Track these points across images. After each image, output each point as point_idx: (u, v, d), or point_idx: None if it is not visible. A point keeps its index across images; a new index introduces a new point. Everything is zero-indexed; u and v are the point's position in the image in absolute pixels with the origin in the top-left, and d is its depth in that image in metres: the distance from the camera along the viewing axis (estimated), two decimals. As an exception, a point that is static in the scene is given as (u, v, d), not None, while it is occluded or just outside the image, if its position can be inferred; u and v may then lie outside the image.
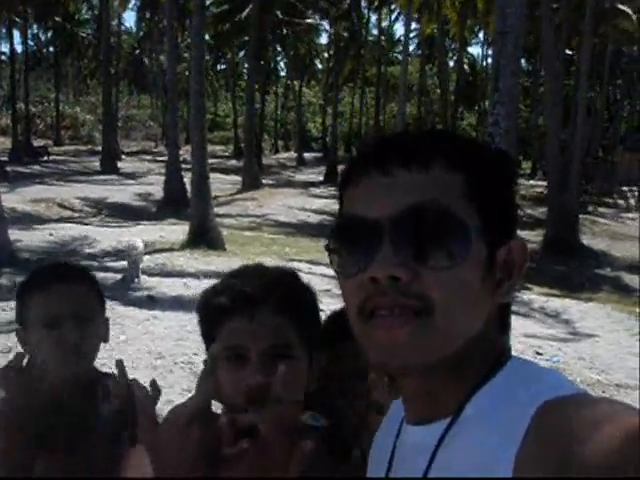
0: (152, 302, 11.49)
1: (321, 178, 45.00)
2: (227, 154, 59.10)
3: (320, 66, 71.03)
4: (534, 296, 15.40)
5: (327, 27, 59.27)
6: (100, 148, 44.13)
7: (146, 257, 14.33)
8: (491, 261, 1.01)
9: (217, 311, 1.47)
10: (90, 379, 2.13)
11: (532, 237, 24.16)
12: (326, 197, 34.53)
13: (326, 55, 63.95)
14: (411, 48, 55.62)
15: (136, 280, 12.83)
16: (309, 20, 52.81)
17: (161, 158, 46.34)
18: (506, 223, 1.04)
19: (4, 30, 62.90)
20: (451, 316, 0.97)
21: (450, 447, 0.98)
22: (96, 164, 42.20)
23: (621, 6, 39.22)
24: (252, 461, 1.12)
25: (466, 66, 66.38)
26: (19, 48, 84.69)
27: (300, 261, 17.73)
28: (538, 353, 10.19)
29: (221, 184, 33.05)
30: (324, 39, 67.71)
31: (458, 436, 0.98)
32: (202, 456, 1.13)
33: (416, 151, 1.01)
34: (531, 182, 44.32)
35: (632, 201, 37.83)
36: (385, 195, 0.99)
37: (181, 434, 1.11)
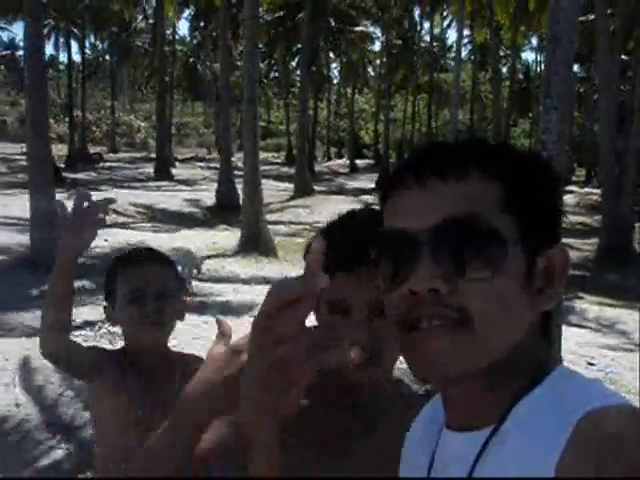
0: (203, 308, 11.59)
1: (373, 185, 44.85)
2: (279, 161, 59.31)
3: (372, 73, 70.97)
4: (587, 305, 15.16)
5: (379, 34, 59.41)
6: (154, 155, 44.57)
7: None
8: (531, 270, 1.01)
9: None
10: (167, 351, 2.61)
11: (586, 246, 23.80)
12: (378, 204, 34.40)
13: (378, 62, 63.90)
14: (463, 54, 55.17)
15: (187, 286, 12.93)
16: (361, 27, 52.90)
17: (214, 165, 46.70)
18: (546, 231, 1.04)
19: (62, 40, 64.29)
20: (490, 327, 0.97)
21: (491, 456, 0.99)
22: (150, 170, 42.62)
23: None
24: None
25: (519, 72, 65.71)
26: (77, 57, 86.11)
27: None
28: (590, 364, 10.04)
29: (273, 191, 33.21)
30: (377, 46, 67.57)
31: (500, 445, 0.98)
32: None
33: (451, 162, 1.01)
34: (585, 189, 43.66)
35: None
36: (422, 207, 1.00)
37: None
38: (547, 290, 1.03)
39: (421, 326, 0.99)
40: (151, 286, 2.45)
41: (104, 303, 2.63)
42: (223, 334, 1.18)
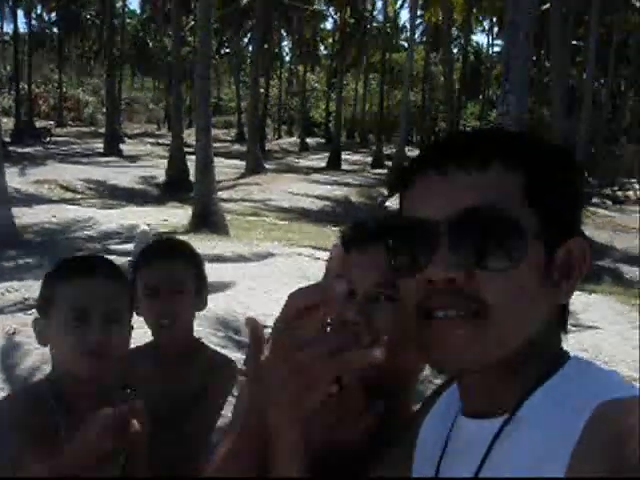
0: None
1: (324, 164, 44.83)
2: (229, 138, 58.96)
3: (324, 52, 70.81)
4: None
5: (332, 13, 59.19)
6: (103, 130, 44.02)
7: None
8: (549, 262, 1.00)
9: None
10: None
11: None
12: (329, 183, 34.44)
13: (330, 41, 63.74)
14: (416, 35, 55.21)
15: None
16: (315, 6, 52.68)
17: (163, 141, 46.26)
18: (567, 223, 1.03)
19: (7, 10, 62.84)
20: (507, 318, 0.97)
21: (506, 443, 0.99)
22: (99, 146, 42.06)
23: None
24: (334, 406, 1.09)
25: (471, 55, 66.05)
26: (23, 28, 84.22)
27: (304, 246, 17.72)
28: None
29: (224, 168, 32.98)
30: (329, 24, 67.38)
31: (514, 433, 0.99)
32: None
33: (473, 152, 1.01)
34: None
35: (631, 193, 37.68)
36: (442, 197, 1.00)
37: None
38: (564, 282, 1.02)
39: (436, 315, 0.99)
40: (98, 306, 1.93)
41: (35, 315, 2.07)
42: (258, 342, 1.08)
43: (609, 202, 34.56)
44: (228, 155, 42.12)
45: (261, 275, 12.61)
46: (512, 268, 0.97)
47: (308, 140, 59.66)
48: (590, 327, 11.50)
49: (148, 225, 14.62)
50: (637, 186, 39.13)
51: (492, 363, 0.99)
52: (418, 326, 1.02)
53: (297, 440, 1.05)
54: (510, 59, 7.74)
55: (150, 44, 75.36)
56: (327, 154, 46.83)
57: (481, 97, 69.60)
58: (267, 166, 38.47)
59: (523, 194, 0.99)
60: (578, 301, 13.91)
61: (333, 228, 24.35)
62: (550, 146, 1.06)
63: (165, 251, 2.52)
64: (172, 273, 2.42)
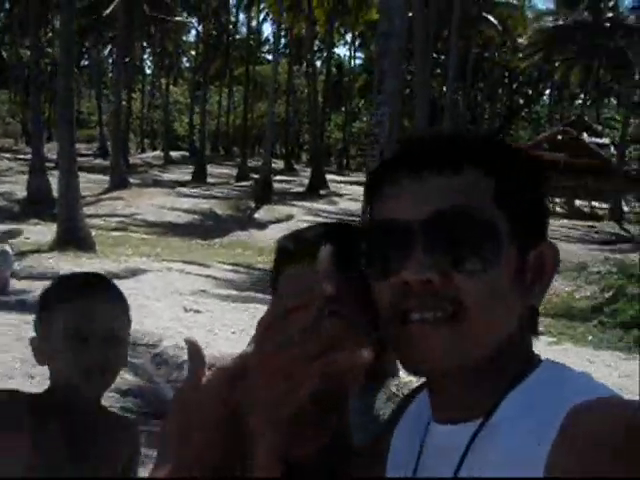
0: (23, 306, 11.02)
1: (189, 177, 44.52)
2: (91, 152, 57.60)
3: (187, 64, 70.28)
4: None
5: (195, 24, 58.81)
6: (-44, 145, 42.22)
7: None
8: (522, 264, 1.01)
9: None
10: None
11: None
12: (195, 197, 34.27)
13: (193, 53, 63.33)
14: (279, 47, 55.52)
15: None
16: (177, 17, 52.19)
17: (22, 156, 44.68)
18: (537, 226, 1.05)
19: None
20: (484, 320, 0.97)
21: (480, 449, 0.98)
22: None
23: (486, 14, 40.99)
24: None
25: (333, 67, 67.03)
26: None
27: (174, 261, 17.49)
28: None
29: (87, 184, 32.18)
30: (191, 36, 66.96)
31: (488, 438, 0.98)
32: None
33: (447, 155, 1.01)
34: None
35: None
36: (417, 199, 1.00)
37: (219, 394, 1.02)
38: (536, 285, 1.04)
39: (412, 318, 0.98)
40: (98, 326, 1.94)
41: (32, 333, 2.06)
42: (196, 358, 1.06)
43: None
44: (91, 170, 41.06)
45: (133, 292, 12.31)
46: (488, 270, 0.97)
47: (172, 153, 58.92)
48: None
49: (10, 244, 14.04)
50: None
51: (469, 365, 0.99)
52: (393, 330, 1.01)
53: (279, 442, 1.01)
54: (383, 70, 7.86)
55: (5, 55, 72.68)
56: (192, 167, 46.55)
57: (344, 109, 70.74)
58: (131, 180, 37.87)
59: (496, 197, 1.00)
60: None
61: (201, 242, 24.23)
62: (518, 151, 1.08)
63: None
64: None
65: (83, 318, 1.94)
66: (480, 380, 1.01)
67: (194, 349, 1.06)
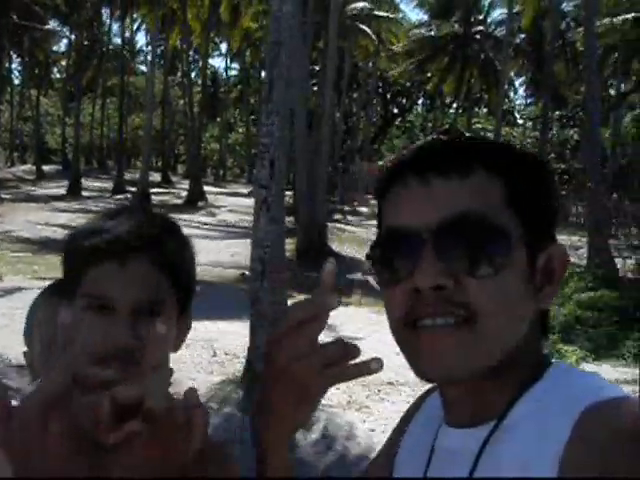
0: None
1: (64, 192, 43.33)
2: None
3: (58, 75, 68.39)
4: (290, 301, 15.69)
5: (67, 34, 57.24)
6: None
7: None
8: (532, 267, 1.02)
9: (85, 254, 1.25)
10: None
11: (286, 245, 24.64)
12: (71, 211, 33.32)
13: (64, 63, 61.71)
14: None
15: None
16: (48, 26, 50.68)
17: None
18: (546, 228, 1.05)
19: None
20: (495, 324, 0.97)
21: (493, 452, 0.99)
22: None
23: (361, 25, 41.71)
24: (146, 445, 0.98)
25: (208, 79, 66.67)
26: None
27: (52, 279, 16.95)
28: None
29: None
30: (62, 46, 65.12)
31: (501, 441, 0.99)
32: (74, 449, 1.09)
33: (454, 159, 1.01)
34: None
35: (365, 209, 39.62)
36: (425, 205, 1.00)
37: (38, 428, 0.97)
38: (546, 287, 1.04)
39: (424, 324, 0.98)
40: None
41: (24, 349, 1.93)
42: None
43: (352, 218, 36.23)
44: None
45: (13, 312, 11.85)
46: (498, 273, 0.97)
47: (44, 167, 57.19)
48: (354, 338, 11.93)
49: None
50: (373, 201, 41.33)
51: (482, 370, 0.99)
52: (403, 336, 1.02)
53: (287, 455, 1.05)
54: (273, 79, 7.87)
55: None
56: (66, 181, 45.33)
57: (219, 119, 70.40)
58: (2, 196, 36.55)
59: (505, 200, 1.00)
60: (334, 314, 14.41)
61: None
62: (527, 154, 1.08)
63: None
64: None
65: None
66: (492, 384, 1.01)
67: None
